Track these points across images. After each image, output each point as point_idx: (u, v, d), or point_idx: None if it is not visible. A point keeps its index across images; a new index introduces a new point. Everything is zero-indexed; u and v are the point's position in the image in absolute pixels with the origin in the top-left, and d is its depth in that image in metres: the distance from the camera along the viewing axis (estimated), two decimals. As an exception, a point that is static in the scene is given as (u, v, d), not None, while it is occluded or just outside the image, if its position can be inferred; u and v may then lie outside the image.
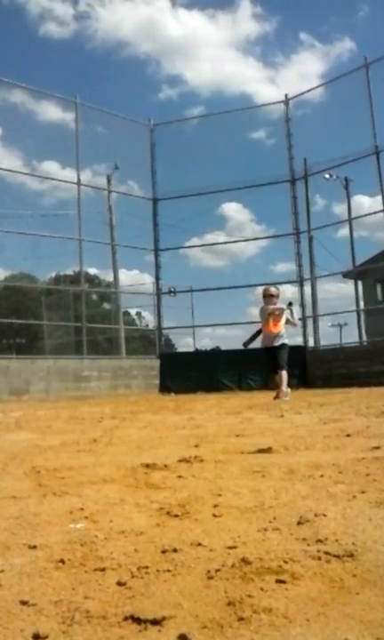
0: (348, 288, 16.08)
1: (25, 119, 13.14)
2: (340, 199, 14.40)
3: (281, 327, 6.64)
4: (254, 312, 7.84)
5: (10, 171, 11.09)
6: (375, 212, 10.55)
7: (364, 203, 15.33)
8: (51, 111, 15.28)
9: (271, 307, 6.66)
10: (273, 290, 6.98)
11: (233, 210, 16.16)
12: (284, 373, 6.45)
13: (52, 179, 11.83)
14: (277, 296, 6.88)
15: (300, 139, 11.60)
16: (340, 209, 15.18)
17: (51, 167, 13.13)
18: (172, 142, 12.74)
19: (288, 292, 10.89)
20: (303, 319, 11.10)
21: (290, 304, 7.02)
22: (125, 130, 12.20)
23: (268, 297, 6.82)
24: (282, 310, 6.67)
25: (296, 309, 7.16)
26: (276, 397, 6.25)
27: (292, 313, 6.85)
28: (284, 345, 6.66)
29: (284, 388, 6.36)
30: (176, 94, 38.60)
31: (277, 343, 6.60)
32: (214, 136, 12.88)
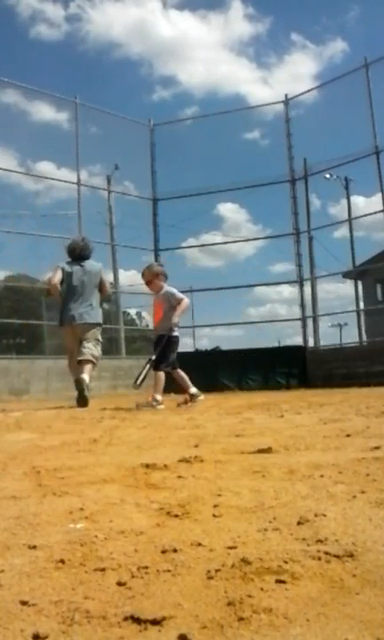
0: (347, 288, 16.14)
1: (18, 119, 13.14)
2: (335, 199, 14.44)
3: (165, 315, 5.56)
4: (252, 312, 7.38)
5: (10, 171, 11.09)
6: (375, 212, 10.56)
7: (358, 203, 15.37)
8: (44, 111, 15.32)
9: (156, 294, 5.73)
10: (155, 268, 5.87)
11: (229, 210, 16.20)
12: (160, 375, 5.38)
13: (52, 179, 11.83)
14: (161, 274, 5.74)
15: (294, 139, 11.64)
16: (335, 210, 15.23)
17: (46, 167, 13.15)
18: (169, 142, 12.77)
19: (286, 292, 10.92)
20: (303, 319, 11.10)
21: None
22: (123, 130, 12.21)
23: (147, 277, 5.72)
24: (167, 297, 5.62)
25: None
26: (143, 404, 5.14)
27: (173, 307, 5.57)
28: (161, 337, 5.50)
29: (158, 395, 5.25)
30: (170, 95, 38.64)
31: (159, 332, 5.58)
32: (211, 136, 12.93)
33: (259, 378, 10.55)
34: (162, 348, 5.48)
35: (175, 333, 5.59)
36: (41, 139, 13.06)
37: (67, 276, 5.95)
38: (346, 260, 13.61)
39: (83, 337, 5.78)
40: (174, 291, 5.71)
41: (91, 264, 6.12)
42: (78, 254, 6.11)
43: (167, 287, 5.75)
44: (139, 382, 5.55)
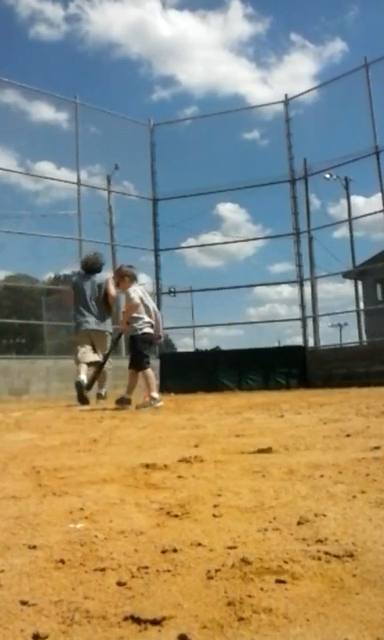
0: (347, 288, 16.09)
1: (18, 119, 13.11)
2: (335, 199, 14.41)
3: (125, 314, 5.74)
4: (252, 312, 7.42)
5: (10, 170, 11.09)
6: (375, 212, 10.55)
7: (358, 203, 15.29)
8: (44, 111, 15.26)
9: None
10: (122, 270, 5.96)
11: (229, 210, 16.14)
12: (149, 373, 5.53)
13: (52, 179, 11.82)
14: (126, 275, 5.82)
15: (294, 139, 11.62)
16: (335, 210, 15.18)
17: (46, 167, 13.11)
18: (169, 142, 12.74)
19: (286, 291, 10.90)
20: (303, 319, 11.10)
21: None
22: (123, 130, 12.19)
23: (115, 280, 6.08)
24: (127, 295, 5.74)
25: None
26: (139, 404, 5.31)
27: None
28: (130, 337, 5.74)
29: (154, 393, 5.45)
30: (169, 95, 38.53)
31: (130, 333, 5.73)
32: (211, 137, 12.90)
33: (259, 378, 10.56)
34: (132, 348, 5.71)
35: (140, 332, 5.62)
36: (41, 139, 13.02)
37: (78, 287, 6.85)
38: (346, 260, 13.55)
39: (96, 343, 6.79)
40: (129, 292, 5.73)
41: (100, 276, 6.92)
42: (90, 267, 6.93)
43: (130, 289, 5.76)
44: (89, 386, 6.33)
